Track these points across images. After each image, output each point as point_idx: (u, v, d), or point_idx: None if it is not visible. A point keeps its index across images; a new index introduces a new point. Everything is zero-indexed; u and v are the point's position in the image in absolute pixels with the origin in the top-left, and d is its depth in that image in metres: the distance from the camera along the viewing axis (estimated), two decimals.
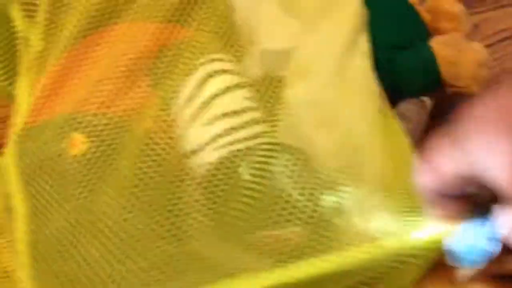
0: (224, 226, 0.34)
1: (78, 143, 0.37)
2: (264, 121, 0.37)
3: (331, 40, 0.44)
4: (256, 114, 0.38)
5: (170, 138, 0.38)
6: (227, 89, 0.38)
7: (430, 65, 0.54)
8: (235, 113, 0.37)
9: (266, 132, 0.37)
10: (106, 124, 0.37)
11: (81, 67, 0.40)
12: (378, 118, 0.41)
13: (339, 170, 0.36)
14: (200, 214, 0.36)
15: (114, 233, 0.34)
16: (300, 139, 0.37)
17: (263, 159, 0.35)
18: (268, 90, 0.39)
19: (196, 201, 0.36)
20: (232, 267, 0.33)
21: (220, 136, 0.36)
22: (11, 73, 0.43)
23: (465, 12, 0.56)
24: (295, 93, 0.39)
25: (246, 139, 0.36)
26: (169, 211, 0.36)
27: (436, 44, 0.55)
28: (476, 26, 0.59)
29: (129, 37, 0.40)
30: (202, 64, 0.39)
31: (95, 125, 0.37)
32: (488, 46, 0.58)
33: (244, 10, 0.44)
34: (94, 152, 0.37)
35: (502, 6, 0.70)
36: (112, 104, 0.38)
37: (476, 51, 0.55)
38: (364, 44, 0.45)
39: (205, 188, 0.35)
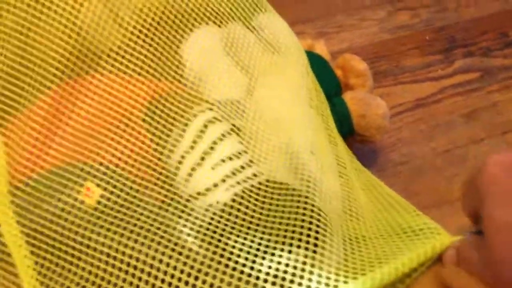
0: None
1: (91, 192, 0.37)
2: (256, 163, 0.41)
3: (283, 93, 0.50)
4: (248, 156, 0.42)
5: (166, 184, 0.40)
6: (224, 135, 0.41)
7: (345, 117, 0.62)
8: (235, 156, 0.41)
9: (261, 172, 0.41)
10: (113, 172, 0.39)
11: (64, 117, 0.41)
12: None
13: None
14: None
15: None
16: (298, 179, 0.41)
17: (268, 195, 0.39)
18: (251, 135, 0.43)
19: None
20: None
21: (229, 176, 0.40)
22: None
23: (369, 69, 0.66)
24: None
25: (249, 178, 0.40)
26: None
27: (349, 99, 0.63)
28: None
29: (114, 89, 0.42)
30: (196, 114, 0.42)
31: (103, 174, 0.38)
32: None
33: (194, 62, 0.47)
34: (108, 201, 0.38)
35: (401, 83, 0.84)
36: (113, 154, 0.39)
37: (380, 105, 0.65)
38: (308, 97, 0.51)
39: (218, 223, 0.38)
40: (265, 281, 0.37)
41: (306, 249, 0.39)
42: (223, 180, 0.40)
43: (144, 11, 0.46)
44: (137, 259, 0.37)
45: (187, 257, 0.37)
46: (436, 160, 0.76)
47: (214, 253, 0.38)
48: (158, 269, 0.36)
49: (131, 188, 0.39)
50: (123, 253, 0.37)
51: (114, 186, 0.39)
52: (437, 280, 0.39)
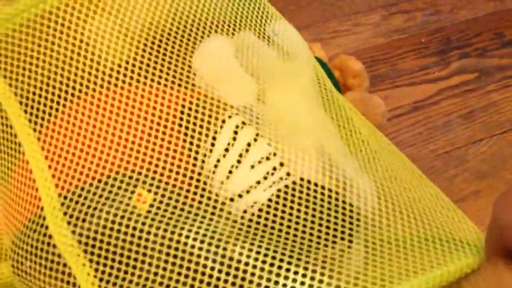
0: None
1: (144, 198, 0.40)
2: (287, 164, 0.45)
3: (296, 99, 0.53)
4: (278, 159, 0.45)
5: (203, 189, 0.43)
6: (256, 138, 0.45)
7: None
8: (268, 158, 0.44)
9: (292, 173, 0.44)
10: (159, 180, 0.41)
11: (101, 126, 0.43)
12: None
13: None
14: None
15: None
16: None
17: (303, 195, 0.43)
18: (277, 138, 0.46)
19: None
20: None
21: (267, 176, 0.43)
22: None
23: (365, 69, 0.70)
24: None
25: (284, 178, 0.43)
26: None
27: (349, 100, 0.67)
28: None
29: (143, 98, 0.45)
30: (226, 118, 0.45)
31: (152, 180, 0.41)
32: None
33: (204, 70, 0.50)
34: (160, 204, 0.40)
35: (398, 86, 0.88)
36: (156, 163, 0.42)
37: (377, 104, 0.69)
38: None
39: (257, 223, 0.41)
40: None
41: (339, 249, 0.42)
42: (264, 179, 0.43)
43: (154, 24, 0.49)
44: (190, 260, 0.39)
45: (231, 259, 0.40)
46: (436, 162, 0.80)
47: (241, 255, 0.40)
48: (205, 267, 0.39)
49: (175, 194, 0.42)
50: (178, 250, 0.40)
51: (164, 191, 0.42)
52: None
